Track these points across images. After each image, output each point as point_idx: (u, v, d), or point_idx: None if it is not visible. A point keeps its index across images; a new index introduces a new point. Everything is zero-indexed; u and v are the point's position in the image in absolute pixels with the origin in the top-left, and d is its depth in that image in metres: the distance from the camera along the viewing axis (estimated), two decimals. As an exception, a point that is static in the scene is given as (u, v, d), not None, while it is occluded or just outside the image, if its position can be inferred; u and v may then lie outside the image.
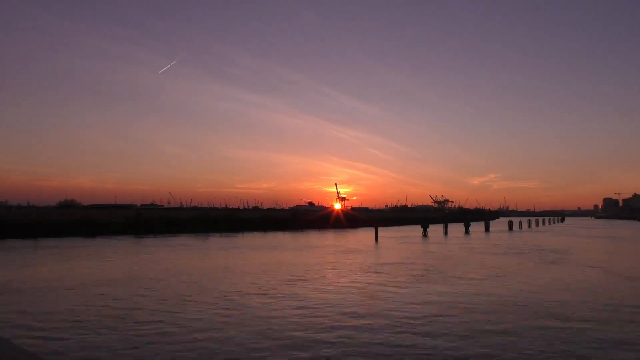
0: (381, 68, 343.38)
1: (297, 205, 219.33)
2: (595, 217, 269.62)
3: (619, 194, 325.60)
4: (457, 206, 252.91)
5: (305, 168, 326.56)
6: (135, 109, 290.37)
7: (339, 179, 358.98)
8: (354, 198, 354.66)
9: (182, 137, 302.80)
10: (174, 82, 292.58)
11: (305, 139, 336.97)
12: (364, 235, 62.30)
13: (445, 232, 67.99)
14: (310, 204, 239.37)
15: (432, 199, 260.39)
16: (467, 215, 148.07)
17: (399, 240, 52.69)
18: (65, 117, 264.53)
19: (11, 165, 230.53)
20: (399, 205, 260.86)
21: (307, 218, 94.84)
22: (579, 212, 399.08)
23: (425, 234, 64.19)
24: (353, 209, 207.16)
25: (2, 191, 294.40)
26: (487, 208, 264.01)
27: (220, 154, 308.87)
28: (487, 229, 78.67)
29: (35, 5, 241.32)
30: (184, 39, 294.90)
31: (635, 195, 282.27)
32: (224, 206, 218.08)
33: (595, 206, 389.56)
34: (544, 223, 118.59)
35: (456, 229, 79.22)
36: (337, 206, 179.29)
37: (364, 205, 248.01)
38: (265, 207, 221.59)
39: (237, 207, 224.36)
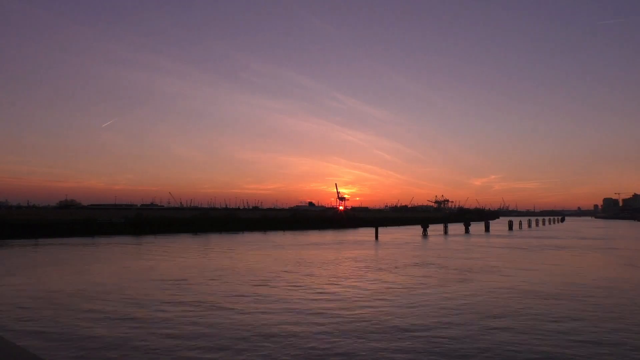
0: (388, 72, 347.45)
1: (297, 205, 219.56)
2: (595, 217, 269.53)
3: (619, 194, 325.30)
4: (456, 206, 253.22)
5: (312, 169, 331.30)
6: (150, 113, 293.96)
7: (345, 179, 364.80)
8: (357, 199, 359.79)
9: (193, 139, 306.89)
10: (187, 87, 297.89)
11: (314, 141, 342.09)
12: (386, 235, 62.31)
13: (446, 232, 67.97)
14: (310, 204, 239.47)
15: (431, 202, 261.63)
16: (466, 215, 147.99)
17: (447, 237, 52.81)
18: (80, 121, 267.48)
19: (27, 166, 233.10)
20: (399, 205, 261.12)
21: (309, 218, 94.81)
22: (579, 212, 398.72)
23: (425, 234, 64.17)
24: (353, 209, 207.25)
25: (18, 192, 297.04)
26: (487, 208, 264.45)
27: (230, 156, 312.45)
28: (487, 229, 78.64)
29: (58, 13, 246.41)
30: (198, 45, 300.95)
31: (635, 195, 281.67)
32: (224, 206, 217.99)
33: (595, 206, 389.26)
34: (544, 223, 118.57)
35: (456, 228, 79.19)
36: (342, 208, 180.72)
37: (366, 205, 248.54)
38: (265, 207, 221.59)
39: (237, 207, 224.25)
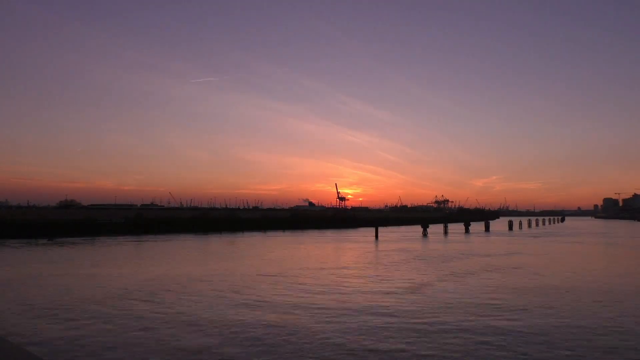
0: (392, 75, 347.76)
1: (297, 205, 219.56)
2: (595, 217, 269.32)
3: (619, 194, 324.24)
4: (457, 206, 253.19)
5: (317, 170, 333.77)
6: (158, 115, 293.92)
7: (350, 180, 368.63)
8: (360, 199, 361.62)
9: (201, 141, 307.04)
10: (196, 89, 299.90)
11: (319, 142, 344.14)
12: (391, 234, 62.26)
13: (446, 232, 67.94)
14: (310, 203, 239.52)
15: (432, 203, 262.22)
16: (466, 215, 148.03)
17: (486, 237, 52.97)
18: (87, 122, 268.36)
19: (29, 167, 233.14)
20: (399, 205, 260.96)
21: (308, 218, 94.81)
22: (579, 212, 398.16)
23: (425, 234, 64.13)
24: (353, 208, 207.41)
25: (19, 192, 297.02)
26: (487, 208, 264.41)
27: (236, 157, 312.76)
28: (487, 229, 78.62)
29: (62, 14, 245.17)
30: (204, 47, 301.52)
31: (635, 195, 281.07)
32: (223, 206, 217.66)
33: (595, 206, 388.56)
34: (544, 223, 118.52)
35: (456, 228, 79.14)
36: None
37: (369, 205, 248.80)
38: (265, 207, 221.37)
39: (237, 207, 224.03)
